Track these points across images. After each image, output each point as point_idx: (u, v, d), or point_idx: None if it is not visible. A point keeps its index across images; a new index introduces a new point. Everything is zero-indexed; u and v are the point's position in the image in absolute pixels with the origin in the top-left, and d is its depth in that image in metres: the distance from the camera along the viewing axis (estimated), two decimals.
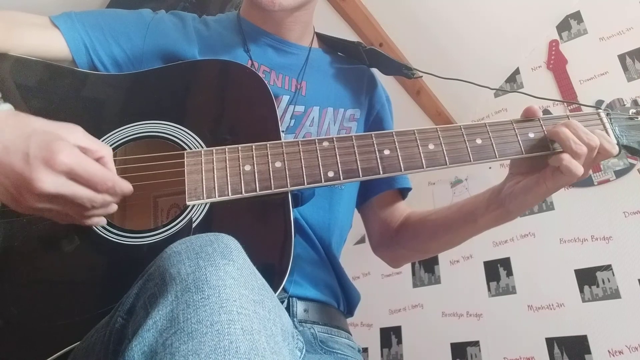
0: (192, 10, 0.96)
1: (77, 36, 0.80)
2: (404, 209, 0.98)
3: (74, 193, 0.54)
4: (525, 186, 0.72)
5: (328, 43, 1.01)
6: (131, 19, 0.87)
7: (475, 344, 2.13)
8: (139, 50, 0.84)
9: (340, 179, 0.66)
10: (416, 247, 0.94)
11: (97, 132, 0.68)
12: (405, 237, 0.94)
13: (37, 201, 0.53)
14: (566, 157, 0.67)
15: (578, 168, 0.67)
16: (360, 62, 1.00)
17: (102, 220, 0.61)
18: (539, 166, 0.72)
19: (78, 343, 0.54)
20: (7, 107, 0.59)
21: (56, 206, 0.55)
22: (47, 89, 0.72)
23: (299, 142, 0.68)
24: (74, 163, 0.52)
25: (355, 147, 0.68)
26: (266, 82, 0.76)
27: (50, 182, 0.51)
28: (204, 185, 0.64)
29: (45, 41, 0.78)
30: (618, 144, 0.73)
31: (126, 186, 0.59)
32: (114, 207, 0.61)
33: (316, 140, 0.68)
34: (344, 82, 0.96)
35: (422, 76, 0.94)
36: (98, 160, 0.58)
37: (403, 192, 1.00)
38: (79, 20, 0.82)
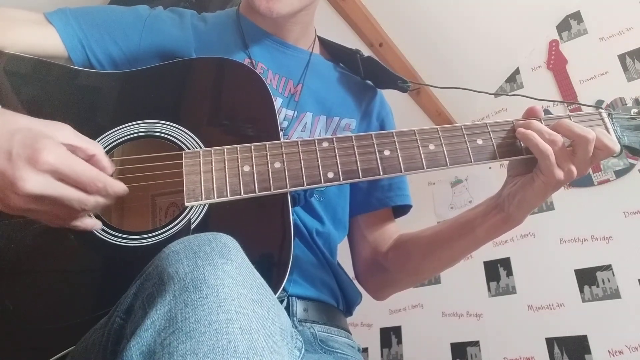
0: (192, 8, 0.95)
1: (73, 33, 0.79)
2: (394, 230, 0.92)
3: (61, 194, 0.51)
4: (522, 183, 0.71)
5: (328, 49, 1.00)
6: (127, 15, 0.85)
7: (475, 344, 2.13)
8: (136, 48, 0.83)
9: (340, 180, 0.66)
10: (408, 270, 0.87)
11: (94, 131, 0.68)
12: (396, 260, 0.87)
13: (22, 202, 0.50)
14: (538, 157, 0.67)
15: (549, 168, 0.66)
16: (355, 74, 0.97)
17: (97, 224, 0.59)
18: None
19: (76, 344, 0.54)
20: None
21: (44, 207, 0.52)
22: (42, 87, 0.71)
23: (299, 142, 0.67)
24: (58, 162, 0.50)
25: (355, 148, 0.67)
26: (264, 79, 0.75)
27: (34, 182, 0.49)
28: (202, 187, 0.63)
29: (40, 38, 0.77)
30: (619, 143, 0.73)
31: (119, 187, 0.56)
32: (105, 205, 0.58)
33: (316, 141, 0.67)
34: (343, 90, 0.94)
35: (417, 88, 0.93)
36: (89, 159, 0.55)
37: (396, 212, 0.94)
38: (73, 16, 0.80)
